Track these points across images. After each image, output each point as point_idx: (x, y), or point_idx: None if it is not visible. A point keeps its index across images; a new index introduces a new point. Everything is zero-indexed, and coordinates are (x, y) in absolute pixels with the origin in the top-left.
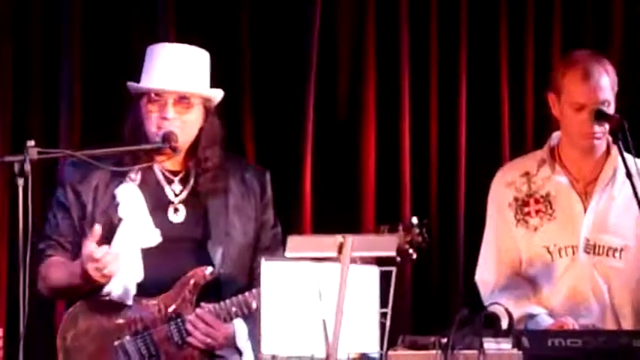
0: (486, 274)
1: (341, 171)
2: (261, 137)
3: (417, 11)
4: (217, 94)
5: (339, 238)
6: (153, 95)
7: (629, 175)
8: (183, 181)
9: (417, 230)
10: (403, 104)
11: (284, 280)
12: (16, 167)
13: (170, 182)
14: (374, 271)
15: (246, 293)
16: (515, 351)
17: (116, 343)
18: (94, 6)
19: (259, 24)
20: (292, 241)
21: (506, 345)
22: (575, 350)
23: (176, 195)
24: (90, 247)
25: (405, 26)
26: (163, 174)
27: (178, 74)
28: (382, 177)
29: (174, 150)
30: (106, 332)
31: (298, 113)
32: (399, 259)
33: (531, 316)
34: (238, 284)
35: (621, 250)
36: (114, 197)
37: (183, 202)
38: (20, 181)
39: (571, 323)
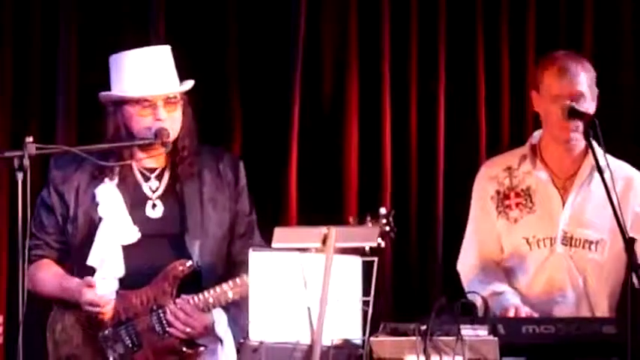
0: (467, 264)
1: (325, 164)
2: (248, 132)
3: (397, 12)
4: (190, 85)
5: (323, 229)
6: (143, 101)
7: (599, 169)
8: (160, 177)
9: (384, 220)
10: (384, 100)
11: (271, 269)
12: (16, 162)
13: (147, 179)
14: (356, 261)
15: (223, 285)
16: (491, 337)
17: (101, 334)
18: (90, 6)
19: (246, 23)
20: (278, 232)
21: (482, 332)
22: (549, 336)
23: (153, 191)
24: (90, 295)
25: (386, 26)
26: (140, 171)
27: (163, 77)
28: (364, 170)
29: (165, 146)
30: (92, 324)
31: (285, 109)
32: (367, 248)
33: (497, 294)
34: (218, 274)
35: (597, 243)
36: (94, 197)
37: (160, 197)
38: (19, 176)
39: (525, 312)
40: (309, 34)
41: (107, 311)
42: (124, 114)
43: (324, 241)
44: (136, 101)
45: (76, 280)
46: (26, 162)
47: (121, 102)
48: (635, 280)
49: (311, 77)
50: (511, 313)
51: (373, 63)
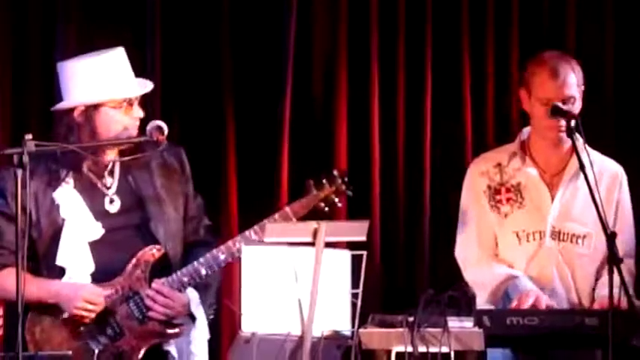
0: (468, 251)
1: (315, 164)
2: (241, 131)
3: (386, 15)
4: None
5: (313, 224)
6: (123, 102)
7: (581, 165)
8: (112, 173)
9: (339, 180)
10: (373, 101)
11: (263, 263)
12: (15, 159)
13: (100, 177)
14: (346, 255)
15: (195, 262)
16: (476, 329)
17: (82, 328)
18: (89, 7)
19: (239, 25)
20: (270, 227)
21: (468, 323)
22: (532, 328)
23: (108, 187)
24: (85, 293)
25: (374, 32)
26: (92, 170)
27: (133, 77)
28: (353, 168)
29: (159, 143)
30: (71, 321)
31: (276, 109)
32: (327, 209)
33: (513, 277)
34: (180, 256)
35: (584, 237)
36: (53, 200)
37: (116, 192)
38: (19, 172)
39: (538, 297)
40: (299, 38)
41: (99, 309)
42: (100, 117)
43: (314, 236)
44: (119, 102)
45: (58, 281)
46: (25, 159)
47: (97, 106)
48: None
49: (302, 78)
50: (531, 299)
51: (362, 64)
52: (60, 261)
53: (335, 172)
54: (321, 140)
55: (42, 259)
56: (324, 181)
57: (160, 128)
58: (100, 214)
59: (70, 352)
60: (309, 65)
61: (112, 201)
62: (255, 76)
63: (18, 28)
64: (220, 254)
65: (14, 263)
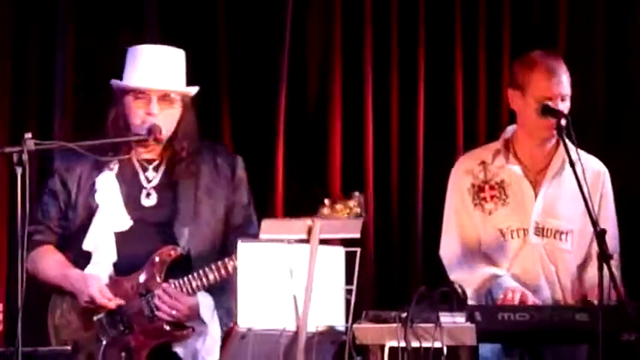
0: (450, 249)
1: (310, 162)
2: (237, 129)
3: (379, 18)
4: (193, 90)
5: (308, 221)
6: (138, 93)
7: (571, 163)
8: (157, 169)
9: (353, 202)
10: (367, 102)
11: (258, 260)
12: (15, 158)
13: (145, 170)
14: (340, 252)
15: (206, 268)
16: (468, 324)
17: (95, 318)
18: (87, 8)
19: (236, 25)
20: (266, 224)
21: (460, 319)
22: (523, 324)
23: (149, 181)
24: (94, 290)
25: (368, 29)
26: (139, 162)
27: (161, 73)
28: (347, 166)
29: (158, 142)
30: (87, 309)
31: (272, 108)
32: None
33: (497, 276)
34: (209, 260)
35: (567, 233)
36: (93, 185)
37: (155, 187)
38: (19, 170)
39: (524, 293)
40: (295, 35)
41: (103, 307)
42: (124, 104)
43: (309, 233)
44: (134, 93)
45: (78, 270)
46: (25, 157)
47: (124, 92)
48: (606, 270)
49: (297, 77)
50: (517, 294)
51: (356, 63)
52: (86, 245)
53: (356, 193)
54: (316, 139)
55: (73, 241)
56: (337, 201)
57: (158, 127)
58: (134, 205)
59: (69, 348)
60: (304, 66)
61: (148, 195)
62: (251, 76)
63: (18, 28)
64: (230, 262)
65: (50, 240)
